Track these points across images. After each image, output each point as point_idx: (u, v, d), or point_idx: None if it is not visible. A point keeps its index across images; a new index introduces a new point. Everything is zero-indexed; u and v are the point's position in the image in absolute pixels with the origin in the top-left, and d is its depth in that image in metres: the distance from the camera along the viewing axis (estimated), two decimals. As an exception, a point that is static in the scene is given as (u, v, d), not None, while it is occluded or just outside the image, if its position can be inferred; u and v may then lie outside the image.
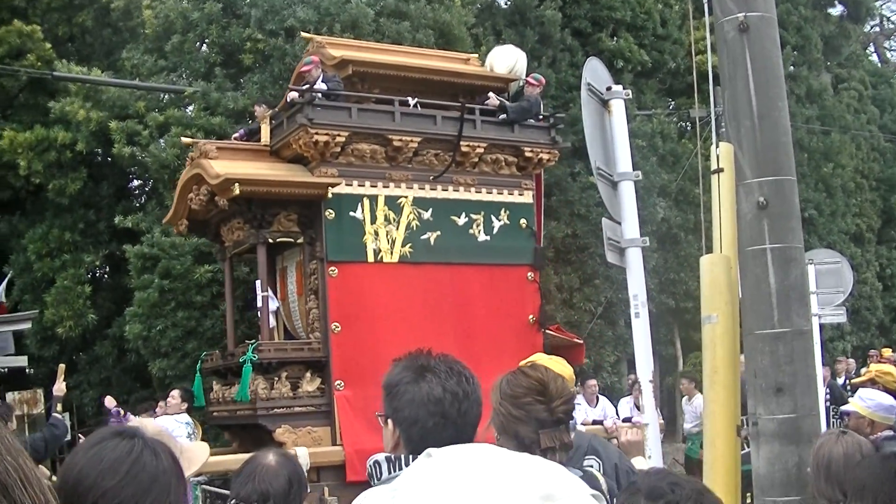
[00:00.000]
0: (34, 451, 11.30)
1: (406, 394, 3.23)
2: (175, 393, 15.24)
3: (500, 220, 16.91)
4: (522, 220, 17.18)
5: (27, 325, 22.46)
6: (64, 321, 22.70)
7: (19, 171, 22.73)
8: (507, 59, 17.98)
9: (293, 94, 15.88)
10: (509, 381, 3.76)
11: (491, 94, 17.16)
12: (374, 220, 15.77)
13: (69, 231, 23.68)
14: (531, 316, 16.96)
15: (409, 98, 16.36)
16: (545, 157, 17.29)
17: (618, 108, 7.93)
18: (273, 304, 16.28)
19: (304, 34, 18.91)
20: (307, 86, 15.80)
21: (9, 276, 24.57)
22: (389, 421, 3.28)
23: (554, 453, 3.53)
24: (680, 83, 30.98)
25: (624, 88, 8.43)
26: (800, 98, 32.46)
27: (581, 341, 18.35)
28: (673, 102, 32.24)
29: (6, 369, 23.35)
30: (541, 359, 5.82)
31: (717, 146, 6.42)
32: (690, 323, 25.54)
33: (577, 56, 26.93)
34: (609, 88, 7.92)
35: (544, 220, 24.11)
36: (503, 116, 16.80)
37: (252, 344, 15.21)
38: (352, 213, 15.65)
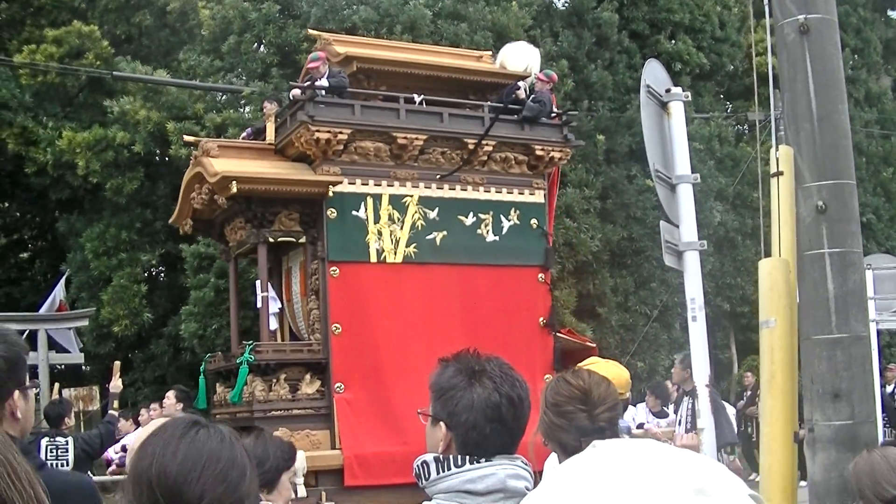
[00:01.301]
0: (90, 447, 11.43)
1: (463, 399, 3.18)
2: (170, 393, 14.99)
3: (509, 220, 16.52)
4: (533, 221, 16.76)
5: (84, 323, 22.68)
6: (120, 319, 22.90)
7: (77, 171, 22.93)
8: (519, 57, 17.66)
9: (296, 91, 15.66)
10: (552, 389, 3.74)
11: (521, 84, 16.89)
12: (377, 219, 15.47)
13: (126, 230, 23.87)
14: (542, 319, 16.53)
15: (415, 95, 16.09)
16: (557, 155, 16.87)
17: (677, 110, 7.86)
18: (275, 306, 16.14)
19: (310, 31, 18.72)
20: (310, 82, 15.59)
21: (66, 273, 24.82)
22: (442, 424, 3.21)
23: None
24: (738, 86, 30.80)
25: (682, 91, 8.37)
26: (858, 101, 32.12)
27: (594, 345, 17.67)
28: (731, 105, 32.02)
29: (63, 366, 23.59)
30: (597, 363, 5.79)
31: (777, 149, 6.36)
32: (747, 327, 25.38)
33: (635, 58, 26.85)
34: (668, 90, 7.87)
35: (600, 223, 24.09)
36: (522, 113, 16.54)
37: (249, 344, 14.95)
38: (354, 213, 15.36)
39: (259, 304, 15.78)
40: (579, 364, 5.67)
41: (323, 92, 15.36)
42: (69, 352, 22.83)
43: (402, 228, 15.67)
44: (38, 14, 25.75)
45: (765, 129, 23.09)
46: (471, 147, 16.07)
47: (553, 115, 17.12)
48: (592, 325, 23.02)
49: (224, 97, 24.26)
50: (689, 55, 27.81)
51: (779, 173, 6.30)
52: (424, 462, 3.18)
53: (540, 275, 16.73)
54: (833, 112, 6.35)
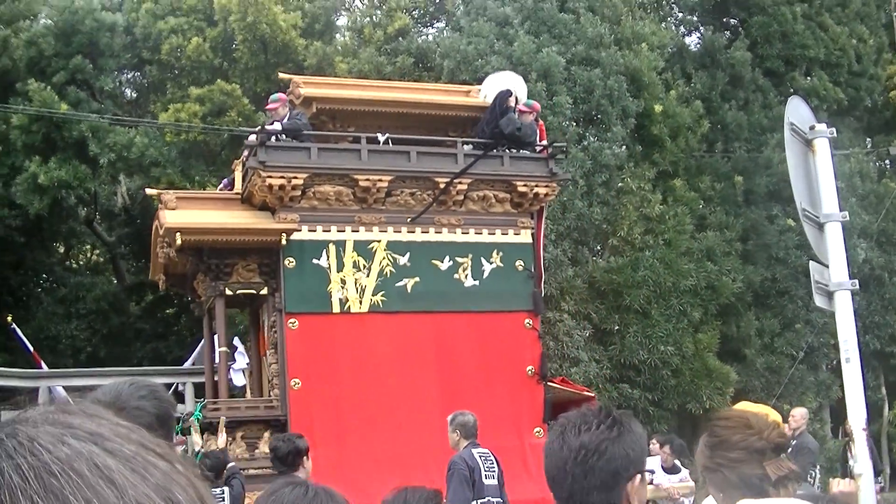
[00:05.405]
0: (237, 495, 11.65)
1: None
2: None
3: (491, 263, 15.70)
4: (519, 262, 15.91)
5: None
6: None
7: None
8: (501, 86, 16.71)
9: (251, 137, 15.16)
10: (711, 433, 3.62)
11: (512, 91, 16.09)
12: (340, 267, 14.84)
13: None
14: (530, 367, 15.60)
15: (379, 134, 15.39)
16: (542, 191, 15.95)
17: (822, 147, 7.70)
18: (242, 361, 15.59)
19: (281, 74, 18.09)
20: (262, 125, 15.16)
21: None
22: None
23: (787, 483, 3.37)
24: (878, 120, 30.22)
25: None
26: None
27: (593, 395, 16.48)
28: (871, 140, 31.38)
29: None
30: (747, 406, 5.67)
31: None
32: (897, 367, 24.84)
33: (770, 97, 26.56)
34: (812, 127, 7.72)
35: (742, 265, 23.74)
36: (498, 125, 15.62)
37: (200, 402, 14.44)
38: (315, 261, 14.75)
39: (217, 361, 15.34)
40: (734, 406, 5.57)
41: (283, 136, 14.82)
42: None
43: (368, 276, 15.00)
44: (180, 75, 26.41)
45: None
46: (442, 186, 15.30)
47: (541, 147, 16.27)
48: (737, 368, 22.65)
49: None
50: (826, 90, 27.37)
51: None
52: None
53: (527, 320, 15.83)
54: None
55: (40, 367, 21.75)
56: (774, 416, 5.79)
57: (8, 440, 0.86)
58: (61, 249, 33.11)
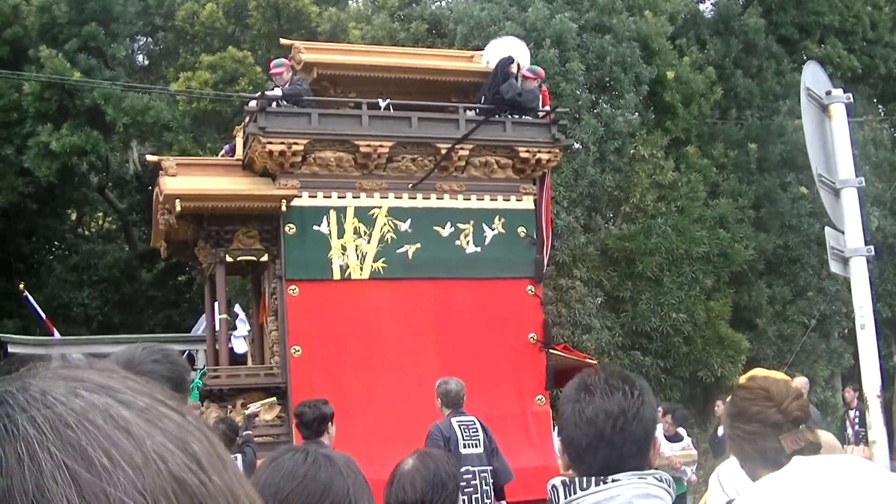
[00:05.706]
0: (249, 462, 11.68)
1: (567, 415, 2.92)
2: None
3: (493, 230, 15.58)
4: (521, 229, 15.76)
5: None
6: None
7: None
8: (503, 52, 16.50)
9: (252, 103, 15.10)
10: (731, 402, 3.58)
11: (514, 58, 15.93)
12: (341, 233, 14.75)
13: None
14: (532, 335, 15.50)
15: (380, 100, 15.28)
16: (544, 157, 15.76)
17: (838, 112, 7.65)
18: (243, 328, 15.58)
19: (283, 40, 17.98)
20: (262, 91, 15.04)
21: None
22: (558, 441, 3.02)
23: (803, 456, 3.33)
24: (892, 88, 30.04)
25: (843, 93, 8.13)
26: None
27: (595, 362, 16.30)
28: (884, 109, 31.22)
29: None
30: (760, 373, 5.65)
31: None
32: (909, 336, 24.79)
33: (783, 64, 26.46)
34: (829, 93, 7.66)
35: (754, 232, 23.67)
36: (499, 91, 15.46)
37: (200, 370, 14.38)
38: (315, 227, 14.65)
39: (217, 328, 15.31)
40: (744, 375, 5.54)
41: (283, 102, 14.75)
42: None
43: (369, 242, 14.91)
44: (192, 42, 26.37)
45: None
46: (443, 152, 15.21)
47: (543, 113, 16.13)
48: (749, 336, 22.63)
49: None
50: (840, 58, 27.23)
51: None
52: (554, 486, 3.02)
53: (529, 287, 15.71)
54: None
55: (52, 335, 21.81)
56: (788, 381, 5.77)
57: (20, 393, 0.86)
58: (73, 217, 33.17)
